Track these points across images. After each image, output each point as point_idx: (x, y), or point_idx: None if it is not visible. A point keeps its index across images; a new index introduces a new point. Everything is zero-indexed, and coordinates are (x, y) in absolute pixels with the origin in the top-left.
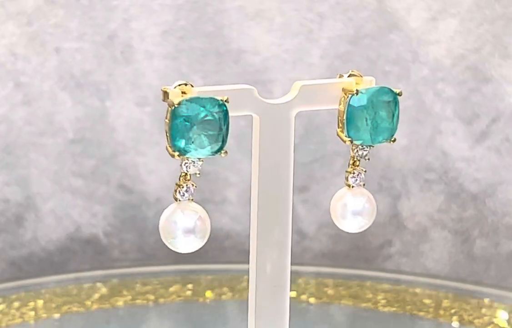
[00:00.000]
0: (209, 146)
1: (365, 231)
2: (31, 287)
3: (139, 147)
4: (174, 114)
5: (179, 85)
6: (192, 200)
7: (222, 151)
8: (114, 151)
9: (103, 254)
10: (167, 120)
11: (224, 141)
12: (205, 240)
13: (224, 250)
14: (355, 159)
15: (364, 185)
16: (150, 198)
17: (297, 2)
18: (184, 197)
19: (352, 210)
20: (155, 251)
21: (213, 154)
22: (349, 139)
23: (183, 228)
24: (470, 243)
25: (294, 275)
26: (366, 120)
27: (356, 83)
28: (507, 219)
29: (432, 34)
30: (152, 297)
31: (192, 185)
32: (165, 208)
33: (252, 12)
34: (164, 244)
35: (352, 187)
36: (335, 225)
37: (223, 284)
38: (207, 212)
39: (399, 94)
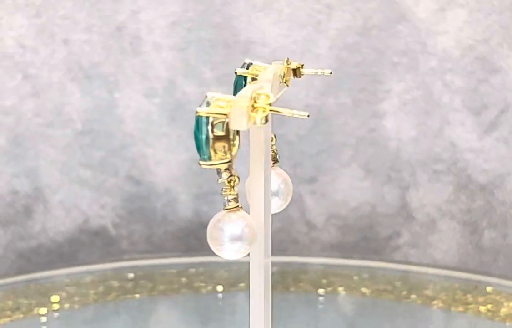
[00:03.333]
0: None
1: (373, 222)
2: (41, 279)
3: (148, 138)
4: None
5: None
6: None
7: (200, 161)
8: (123, 143)
9: (112, 245)
10: None
11: (199, 151)
12: (252, 246)
13: None
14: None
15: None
16: (159, 189)
17: None
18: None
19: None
20: (164, 242)
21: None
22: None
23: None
24: (478, 233)
25: (303, 266)
26: None
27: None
28: None
29: (440, 24)
30: (161, 288)
31: (231, 194)
32: (174, 198)
33: (260, 3)
34: (173, 235)
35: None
36: (344, 216)
37: (232, 275)
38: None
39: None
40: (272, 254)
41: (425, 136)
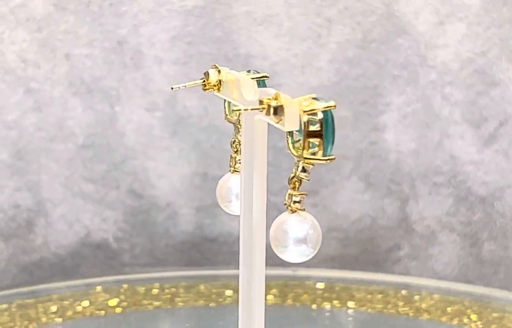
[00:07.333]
0: None
1: (374, 234)
2: (43, 292)
3: (149, 152)
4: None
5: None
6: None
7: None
8: (124, 157)
9: (114, 258)
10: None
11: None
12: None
13: (235, 254)
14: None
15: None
16: (160, 202)
17: (305, 7)
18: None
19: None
20: (166, 255)
21: None
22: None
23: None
24: (478, 246)
25: (303, 279)
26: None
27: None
28: None
29: (440, 38)
30: (162, 302)
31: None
32: (176, 212)
33: (260, 17)
34: (175, 249)
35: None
36: (344, 229)
37: (233, 288)
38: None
39: None
40: (272, 267)
41: (425, 148)
